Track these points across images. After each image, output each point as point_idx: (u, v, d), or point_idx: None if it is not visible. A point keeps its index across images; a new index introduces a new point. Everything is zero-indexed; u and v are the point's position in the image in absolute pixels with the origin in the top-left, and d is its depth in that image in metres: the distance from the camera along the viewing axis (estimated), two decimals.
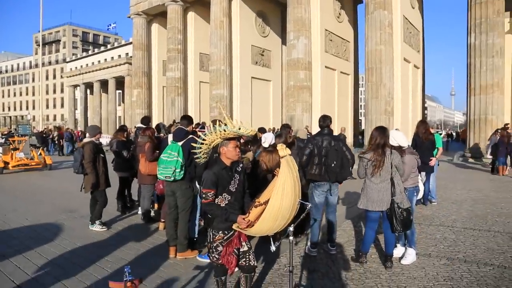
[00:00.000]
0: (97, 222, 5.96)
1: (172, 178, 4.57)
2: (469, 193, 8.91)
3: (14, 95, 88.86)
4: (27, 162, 13.68)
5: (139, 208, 6.92)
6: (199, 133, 3.61)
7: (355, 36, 28.53)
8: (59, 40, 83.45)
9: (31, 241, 5.30)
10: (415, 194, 4.92)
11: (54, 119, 77.57)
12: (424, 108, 28.21)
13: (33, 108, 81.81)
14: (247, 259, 3.12)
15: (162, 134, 7.11)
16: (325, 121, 4.81)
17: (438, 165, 8.49)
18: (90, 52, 68.74)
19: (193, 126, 5.24)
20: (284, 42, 28.65)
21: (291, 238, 2.95)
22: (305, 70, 21.93)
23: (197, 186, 4.88)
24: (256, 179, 4.62)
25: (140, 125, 7.85)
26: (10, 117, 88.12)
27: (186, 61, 30.59)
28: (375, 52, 19.61)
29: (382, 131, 4.39)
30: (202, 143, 3.20)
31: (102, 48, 68.63)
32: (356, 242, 5.21)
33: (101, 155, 6.08)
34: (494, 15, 17.17)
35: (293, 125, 19.65)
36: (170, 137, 5.03)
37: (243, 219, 2.94)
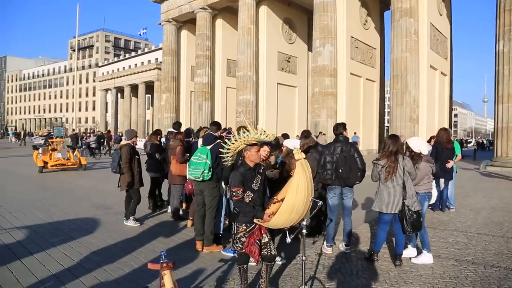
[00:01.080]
0: (131, 218, 6.51)
1: (201, 178, 5.05)
2: (489, 201, 8.99)
3: (50, 97, 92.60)
4: (64, 162, 14.57)
5: (169, 206, 7.44)
6: (226, 139, 4.08)
7: (381, 43, 28.59)
8: (93, 46, 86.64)
9: (74, 232, 5.89)
10: (427, 199, 5.20)
11: (86, 122, 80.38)
12: (451, 115, 27.81)
13: (66, 110, 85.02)
14: (269, 249, 3.54)
15: (191, 139, 7.61)
16: (338, 129, 5.17)
17: (456, 172, 8.64)
18: (121, 57, 70.97)
19: (221, 131, 5.70)
20: (310, 48, 28.98)
21: (304, 231, 3.34)
22: (330, 76, 22.19)
23: (223, 186, 5.34)
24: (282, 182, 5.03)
25: (171, 129, 8.40)
26: (45, 119, 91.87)
27: (214, 67, 31.36)
28: (401, 59, 19.70)
29: (394, 139, 4.72)
30: (228, 149, 3.67)
31: (133, 53, 70.83)
32: (370, 243, 5.51)
33: (136, 156, 6.65)
34: None
35: (317, 131, 19.91)
36: (200, 141, 5.53)
37: (268, 216, 3.38)
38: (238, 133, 3.61)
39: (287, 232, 3.30)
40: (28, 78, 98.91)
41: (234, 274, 4.19)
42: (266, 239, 3.55)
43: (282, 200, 3.32)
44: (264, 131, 3.55)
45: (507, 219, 7.08)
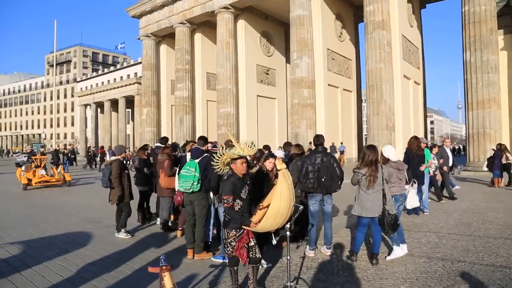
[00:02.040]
0: (123, 230, 6.76)
1: (191, 190, 5.39)
2: (461, 204, 9.58)
3: (26, 114, 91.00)
4: (48, 179, 14.59)
5: (158, 218, 7.71)
6: (212, 152, 4.47)
7: (357, 54, 29.57)
8: (70, 61, 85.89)
9: (67, 246, 6.11)
10: (400, 200, 5.71)
11: (65, 137, 79.18)
12: (427, 122, 28.84)
13: (44, 126, 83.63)
14: (254, 252, 3.91)
15: (177, 152, 7.92)
16: (318, 139, 5.61)
17: (430, 177, 9.21)
18: (100, 72, 70.60)
19: (207, 145, 6.06)
20: (288, 61, 29.66)
21: (288, 233, 3.73)
22: (308, 88, 22.84)
23: (211, 196, 5.69)
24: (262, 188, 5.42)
25: (158, 144, 8.70)
26: (22, 135, 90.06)
27: (194, 81, 31.72)
28: (375, 70, 20.45)
29: (373, 149, 5.18)
30: (217, 163, 4.05)
31: (112, 68, 70.55)
32: (350, 245, 5.93)
33: (126, 171, 6.93)
34: (487, 33, 17.99)
35: (298, 142, 20.45)
36: (188, 155, 5.87)
37: (253, 222, 3.75)
38: (224, 148, 4.02)
39: (272, 235, 3.68)
40: (4, 95, 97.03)
41: (225, 277, 4.52)
42: (252, 243, 3.92)
43: (268, 206, 3.71)
44: (253, 144, 3.94)
45: (475, 220, 7.63)
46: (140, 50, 35.37)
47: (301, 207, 3.76)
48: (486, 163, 14.42)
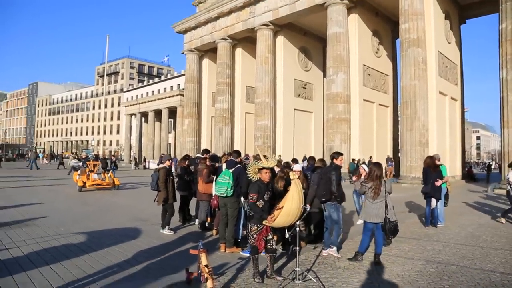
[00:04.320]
0: (167, 227, 7.93)
1: (225, 194, 6.49)
2: (479, 220, 10.02)
3: (76, 121, 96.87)
4: (100, 182, 16.26)
5: (196, 220, 8.84)
6: (244, 163, 5.55)
7: (393, 69, 29.83)
8: (118, 72, 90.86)
9: (122, 237, 7.33)
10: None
11: (110, 144, 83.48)
12: (464, 137, 28.52)
13: (92, 133, 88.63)
14: (271, 244, 4.94)
15: (216, 164, 9.03)
16: (332, 157, 6.53)
17: (447, 192, 9.79)
18: (145, 83, 74.27)
19: (241, 157, 7.16)
20: (325, 75, 30.44)
21: (297, 229, 4.72)
22: (343, 103, 23.57)
23: (242, 200, 6.73)
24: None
25: (199, 155, 9.89)
26: (71, 141, 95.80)
27: (234, 94, 33.14)
28: (409, 87, 20.88)
29: (378, 166, 6.07)
30: (250, 171, 5.15)
31: (156, 79, 74.05)
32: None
33: (171, 177, 8.13)
34: None
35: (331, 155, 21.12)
36: (224, 166, 6.99)
37: (270, 217, 4.77)
38: (253, 161, 5.13)
39: (286, 229, 4.68)
40: (57, 103, 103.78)
41: (250, 266, 5.50)
42: (270, 237, 4.96)
43: (282, 207, 4.72)
44: (278, 157, 5.07)
45: (486, 233, 8.17)
46: (183, 62, 37.83)
47: (308, 207, 4.75)
48: None
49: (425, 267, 5.57)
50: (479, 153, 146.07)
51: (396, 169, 25.50)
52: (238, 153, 7.11)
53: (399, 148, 31.42)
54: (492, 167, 55.20)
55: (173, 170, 8.92)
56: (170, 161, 8.36)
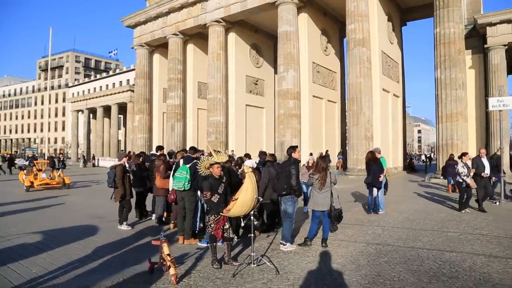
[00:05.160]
0: (124, 223, 8.09)
1: (183, 188, 6.79)
2: (415, 206, 11.05)
3: (16, 118, 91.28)
4: (49, 181, 15.80)
5: (153, 215, 9.06)
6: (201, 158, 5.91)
7: (341, 67, 31.12)
8: (62, 66, 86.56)
9: (80, 234, 7.41)
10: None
11: (55, 142, 79.74)
12: (405, 131, 30.47)
13: (34, 131, 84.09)
14: (228, 232, 5.35)
15: (171, 160, 9.28)
16: (288, 151, 6.99)
17: (386, 182, 10.69)
18: (92, 78, 71.61)
19: (196, 153, 7.48)
20: (276, 72, 31.17)
21: (252, 218, 5.17)
22: (294, 99, 24.35)
23: (198, 194, 7.07)
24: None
25: (153, 152, 10.07)
26: (11, 139, 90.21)
27: (185, 89, 33.03)
28: (355, 84, 22.03)
29: (324, 159, 6.63)
30: (199, 167, 5.49)
31: (104, 74, 71.63)
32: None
33: (127, 174, 8.28)
34: (456, 53, 19.70)
35: (283, 150, 21.93)
36: (181, 161, 7.29)
37: (226, 210, 5.18)
38: (205, 155, 5.51)
39: (241, 218, 5.10)
40: None
41: (208, 255, 5.88)
42: (227, 226, 5.37)
43: (237, 199, 5.14)
44: (229, 153, 5.44)
45: (420, 217, 9.09)
46: (132, 56, 37.10)
47: (261, 199, 5.21)
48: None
49: (366, 248, 6.23)
50: (420, 146, 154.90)
51: (344, 162, 26.78)
52: (194, 149, 7.45)
53: (346, 142, 33.02)
54: (432, 158, 59.51)
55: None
56: (127, 158, 8.49)
